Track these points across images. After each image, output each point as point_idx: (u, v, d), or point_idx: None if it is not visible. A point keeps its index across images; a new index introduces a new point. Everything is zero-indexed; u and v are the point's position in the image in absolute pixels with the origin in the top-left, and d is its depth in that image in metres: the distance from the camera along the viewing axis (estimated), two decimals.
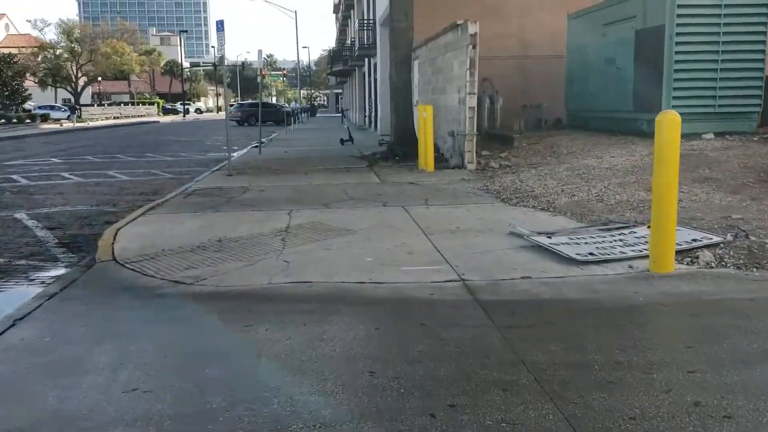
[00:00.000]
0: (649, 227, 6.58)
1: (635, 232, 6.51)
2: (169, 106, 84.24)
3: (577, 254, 5.77)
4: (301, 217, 8.49)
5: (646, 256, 5.69)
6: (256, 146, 21.66)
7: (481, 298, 4.89)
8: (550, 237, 6.40)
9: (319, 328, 4.37)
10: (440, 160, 14.38)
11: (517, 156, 14.81)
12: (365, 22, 31.75)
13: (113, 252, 7.04)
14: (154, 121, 59.94)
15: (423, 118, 13.60)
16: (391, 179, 12.50)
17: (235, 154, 21.01)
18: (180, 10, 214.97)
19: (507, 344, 4.01)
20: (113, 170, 16.52)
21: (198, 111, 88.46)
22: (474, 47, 13.26)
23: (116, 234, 7.84)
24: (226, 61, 15.31)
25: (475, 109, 13.50)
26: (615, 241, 6.24)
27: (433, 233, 7.21)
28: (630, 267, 5.57)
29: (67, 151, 23.26)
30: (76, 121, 49.29)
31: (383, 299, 5.00)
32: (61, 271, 6.85)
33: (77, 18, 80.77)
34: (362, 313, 4.70)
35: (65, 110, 58.25)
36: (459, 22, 13.62)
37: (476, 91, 13.43)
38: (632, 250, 5.91)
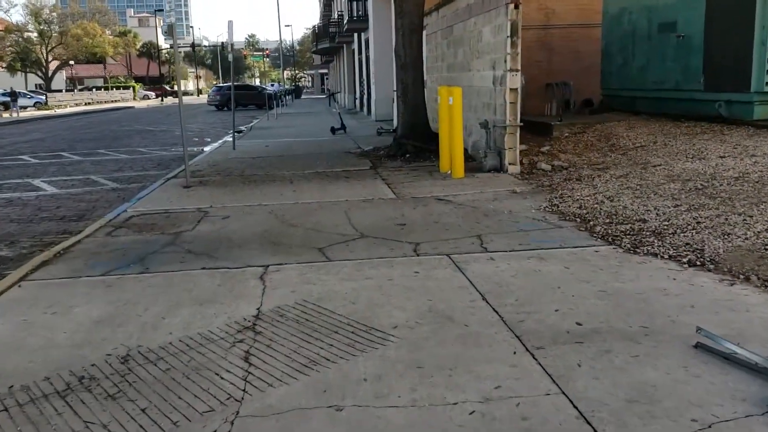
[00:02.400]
0: None
1: None
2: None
3: None
4: (282, 287, 4.94)
5: None
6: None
7: None
8: None
9: None
10: (465, 159, 10.84)
11: (564, 151, 11.32)
12: None
13: None
14: (129, 107, 55.54)
15: (448, 105, 10.01)
16: (409, 191, 8.95)
17: (206, 148, 17.39)
18: None
19: None
20: (44, 177, 12.80)
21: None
22: (516, 7, 9.73)
23: None
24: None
25: (519, 91, 9.97)
26: None
27: (543, 345, 3.66)
28: None
29: (4, 149, 19.38)
30: (19, 112, 41.84)
31: None
32: None
33: None
34: None
35: (30, 97, 53.27)
36: None
37: (519, 66, 9.90)
38: None
